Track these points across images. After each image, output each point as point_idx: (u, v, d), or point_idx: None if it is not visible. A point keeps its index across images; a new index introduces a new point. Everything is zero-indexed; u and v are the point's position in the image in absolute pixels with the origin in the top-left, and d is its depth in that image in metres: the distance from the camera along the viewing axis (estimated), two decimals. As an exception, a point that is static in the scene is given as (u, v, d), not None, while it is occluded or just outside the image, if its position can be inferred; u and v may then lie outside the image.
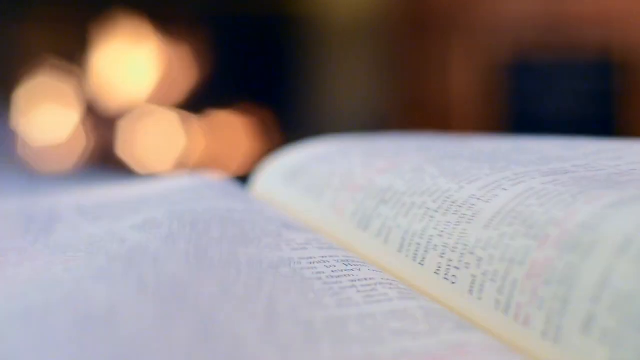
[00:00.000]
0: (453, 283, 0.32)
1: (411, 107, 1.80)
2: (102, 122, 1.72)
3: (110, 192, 0.42)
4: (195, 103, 1.75)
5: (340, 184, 0.40)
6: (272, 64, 1.79)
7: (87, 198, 0.41)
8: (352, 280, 0.32)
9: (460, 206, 0.34)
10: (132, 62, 1.74)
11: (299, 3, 1.76)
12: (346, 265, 0.33)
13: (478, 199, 0.33)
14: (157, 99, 1.74)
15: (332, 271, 0.33)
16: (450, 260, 0.32)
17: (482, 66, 1.74)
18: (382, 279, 0.33)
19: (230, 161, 1.72)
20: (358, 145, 0.44)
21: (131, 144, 1.73)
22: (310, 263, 0.33)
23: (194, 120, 1.75)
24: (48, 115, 1.72)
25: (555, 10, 1.69)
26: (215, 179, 0.44)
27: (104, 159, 1.72)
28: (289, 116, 1.77)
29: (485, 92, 1.74)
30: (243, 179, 0.48)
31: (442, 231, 0.33)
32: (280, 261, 0.33)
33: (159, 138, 1.74)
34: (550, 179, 0.33)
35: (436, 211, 0.34)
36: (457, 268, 0.32)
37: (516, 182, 0.33)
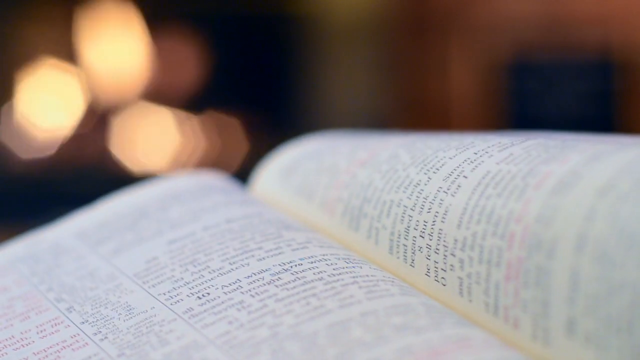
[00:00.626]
0: (444, 285, 0.32)
1: (411, 107, 1.80)
2: (98, 121, 1.72)
3: (109, 207, 0.42)
4: (195, 102, 1.75)
5: (328, 182, 0.39)
6: (271, 63, 1.78)
7: (88, 219, 0.41)
8: (354, 277, 0.32)
9: (431, 202, 0.33)
10: (131, 61, 1.74)
11: (299, 3, 1.76)
12: (347, 263, 0.33)
13: (445, 192, 0.33)
14: (156, 98, 1.74)
15: (334, 269, 0.33)
16: (437, 262, 0.32)
17: (482, 66, 1.73)
18: (383, 276, 0.33)
19: (230, 161, 1.72)
20: (347, 140, 0.44)
21: (129, 143, 1.73)
22: (312, 262, 0.33)
23: (194, 119, 1.75)
24: (44, 113, 1.72)
25: (555, 10, 1.69)
26: (214, 179, 0.44)
27: (100, 159, 1.71)
28: (288, 115, 1.77)
29: (485, 92, 1.74)
30: (243, 178, 0.48)
31: (422, 232, 0.33)
32: (281, 268, 0.33)
33: (158, 137, 1.74)
34: (505, 155, 0.32)
35: (412, 209, 0.34)
36: (444, 270, 0.32)
37: (475, 166, 0.33)
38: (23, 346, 0.32)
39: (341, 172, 0.39)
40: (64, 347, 0.32)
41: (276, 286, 0.32)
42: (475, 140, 0.35)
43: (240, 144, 1.75)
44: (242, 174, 0.57)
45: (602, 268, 0.26)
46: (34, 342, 0.33)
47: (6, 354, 0.32)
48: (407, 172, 0.35)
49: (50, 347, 0.32)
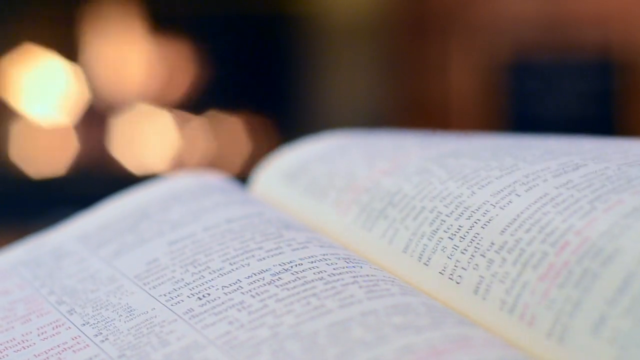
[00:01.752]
0: (458, 283, 0.32)
1: (411, 107, 1.80)
2: (98, 122, 1.72)
3: (110, 208, 0.42)
4: (195, 103, 1.75)
5: (344, 185, 0.40)
6: (271, 63, 1.78)
7: (89, 222, 0.41)
8: (354, 277, 0.32)
9: (474, 211, 0.34)
10: (131, 61, 1.74)
11: (299, 3, 1.76)
12: (347, 263, 0.33)
13: (492, 205, 0.33)
14: (156, 98, 1.74)
15: (334, 269, 0.33)
16: (458, 262, 0.32)
17: (482, 66, 1.73)
18: (383, 276, 0.33)
19: (231, 161, 1.72)
20: (356, 143, 0.44)
21: (129, 144, 1.73)
22: (312, 262, 0.33)
23: (194, 120, 1.75)
24: (45, 114, 1.72)
25: (555, 10, 1.69)
26: (214, 179, 0.44)
27: (100, 160, 1.71)
28: (288, 116, 1.77)
29: (485, 92, 1.74)
30: (243, 179, 0.48)
31: (453, 234, 0.33)
32: (282, 268, 0.33)
33: (159, 138, 1.74)
34: (564, 181, 0.33)
35: (448, 215, 0.34)
36: (464, 269, 0.32)
37: (529, 187, 0.33)
38: (24, 348, 0.32)
39: (361, 178, 0.39)
40: (65, 349, 0.32)
41: (276, 286, 0.32)
42: (517, 162, 0.35)
43: (241, 145, 1.75)
44: (243, 175, 0.57)
45: None
46: (34, 344, 0.33)
47: (7, 355, 0.32)
48: (445, 185, 0.36)
49: (52, 349, 0.32)
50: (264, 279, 0.32)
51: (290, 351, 0.28)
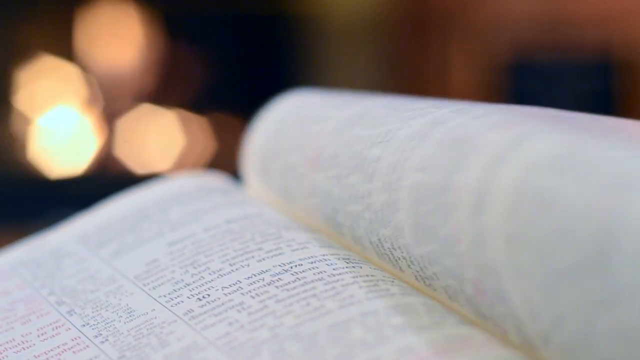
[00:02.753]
0: (435, 290, 0.31)
1: (411, 107, 1.80)
2: (101, 123, 1.72)
3: (110, 209, 0.42)
4: (195, 103, 1.75)
5: (297, 187, 0.38)
6: (272, 63, 1.79)
7: (89, 222, 0.41)
8: (354, 277, 0.32)
9: (382, 218, 0.31)
10: (133, 61, 1.74)
11: (299, 3, 1.76)
12: (347, 263, 0.33)
13: (387, 205, 0.31)
14: (158, 98, 1.74)
15: (334, 269, 0.33)
16: (418, 272, 0.31)
17: (482, 66, 1.73)
18: (383, 276, 0.33)
19: (231, 162, 1.72)
20: (297, 120, 0.41)
21: (131, 144, 1.73)
22: (312, 263, 0.33)
23: (195, 120, 1.75)
24: (46, 114, 1.72)
25: (555, 10, 1.69)
26: (214, 179, 0.44)
27: (103, 160, 1.71)
28: (289, 116, 1.77)
29: (485, 92, 1.74)
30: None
31: (392, 244, 0.31)
32: (281, 268, 0.33)
33: (160, 139, 1.74)
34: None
35: (376, 223, 0.32)
36: (428, 278, 0.31)
37: (400, 177, 0.31)
38: (24, 349, 0.32)
39: (301, 176, 0.38)
40: (65, 350, 0.32)
41: (276, 287, 0.32)
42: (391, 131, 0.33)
43: (241, 145, 1.75)
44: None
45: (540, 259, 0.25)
46: (34, 345, 0.33)
47: (7, 356, 0.32)
48: (350, 181, 0.34)
49: (51, 350, 0.32)
50: (263, 280, 0.32)
51: (290, 352, 0.28)
